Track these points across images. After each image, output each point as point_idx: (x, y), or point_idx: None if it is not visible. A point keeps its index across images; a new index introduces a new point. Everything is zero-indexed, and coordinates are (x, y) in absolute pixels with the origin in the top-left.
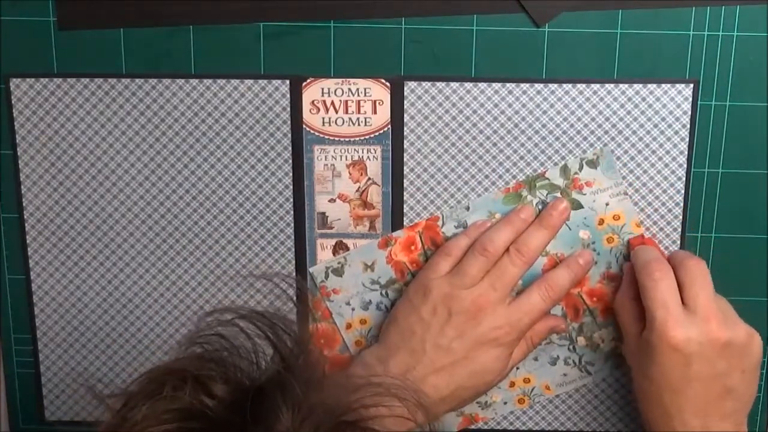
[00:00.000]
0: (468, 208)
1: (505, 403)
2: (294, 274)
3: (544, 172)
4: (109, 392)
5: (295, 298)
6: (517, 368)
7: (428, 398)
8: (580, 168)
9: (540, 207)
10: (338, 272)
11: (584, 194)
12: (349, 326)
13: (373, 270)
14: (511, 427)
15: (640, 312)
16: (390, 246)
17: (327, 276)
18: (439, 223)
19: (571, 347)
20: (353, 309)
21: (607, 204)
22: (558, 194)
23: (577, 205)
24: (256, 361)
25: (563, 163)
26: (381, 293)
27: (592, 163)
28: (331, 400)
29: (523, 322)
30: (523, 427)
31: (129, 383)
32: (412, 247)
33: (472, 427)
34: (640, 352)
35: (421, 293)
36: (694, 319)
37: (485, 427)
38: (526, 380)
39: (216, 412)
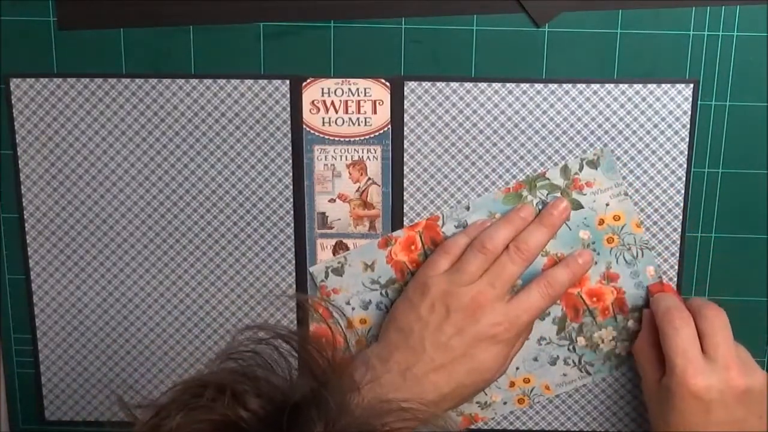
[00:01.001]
0: (468, 208)
1: (505, 403)
2: (319, 295)
3: (545, 172)
4: (138, 402)
5: (294, 301)
6: (517, 368)
7: (443, 415)
8: (581, 168)
9: (540, 207)
10: (338, 272)
11: (584, 194)
12: (350, 325)
13: (373, 270)
14: (511, 427)
15: (659, 358)
16: (390, 246)
17: (327, 276)
18: (439, 222)
19: (570, 347)
20: (353, 308)
21: (607, 204)
22: (558, 194)
23: (577, 206)
24: (290, 379)
25: (563, 163)
26: (381, 293)
27: (593, 164)
28: (361, 422)
29: (522, 320)
30: (523, 427)
31: (159, 395)
32: (412, 247)
33: (472, 426)
34: (660, 398)
35: (419, 291)
36: (714, 367)
37: (485, 427)
38: (526, 380)
39: (250, 426)
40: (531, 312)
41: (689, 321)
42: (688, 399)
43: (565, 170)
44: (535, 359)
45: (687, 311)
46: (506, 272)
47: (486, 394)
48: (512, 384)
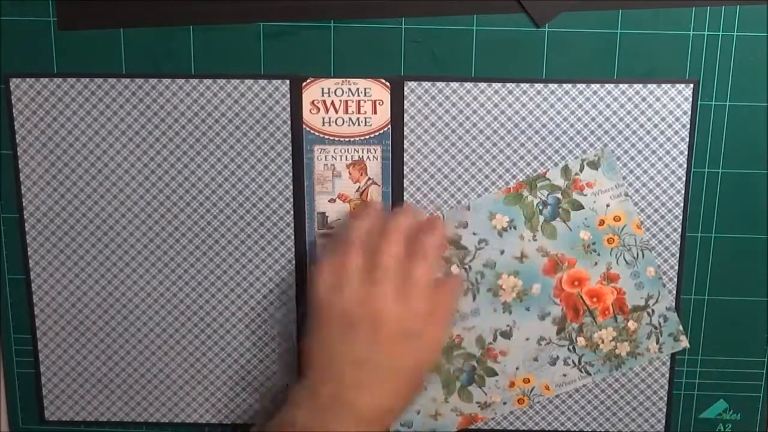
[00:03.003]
0: (468, 209)
1: (505, 403)
2: None
3: (545, 173)
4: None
5: (294, 302)
6: (517, 368)
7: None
8: (581, 169)
9: (540, 207)
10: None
11: (585, 195)
12: None
13: None
14: (511, 427)
15: None
16: None
17: None
18: None
19: (570, 347)
20: None
21: (607, 205)
22: (559, 195)
23: (577, 206)
24: None
25: (564, 163)
26: None
27: (593, 164)
28: None
29: (420, 304)
30: (524, 427)
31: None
32: None
33: (472, 427)
34: None
35: (316, 316)
36: None
37: (485, 427)
38: (526, 380)
39: None
40: (427, 291)
41: None
42: None
43: (565, 171)
44: (535, 359)
45: None
46: (384, 266)
47: (486, 395)
48: (512, 384)
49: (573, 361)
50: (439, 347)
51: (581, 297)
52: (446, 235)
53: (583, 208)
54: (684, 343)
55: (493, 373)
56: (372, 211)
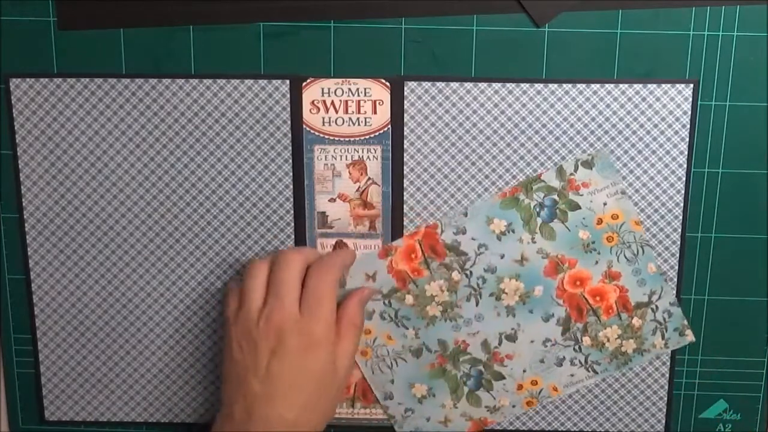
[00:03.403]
0: (466, 215)
1: (514, 406)
2: None
3: (540, 175)
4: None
5: None
6: (524, 370)
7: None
8: (576, 169)
9: (537, 210)
10: (340, 284)
11: (581, 195)
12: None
13: (375, 280)
14: (523, 428)
15: None
16: (390, 255)
17: None
18: (438, 230)
19: (576, 347)
20: None
21: (604, 204)
22: (555, 196)
23: (574, 206)
24: None
25: (559, 165)
26: (384, 303)
27: (588, 164)
28: None
29: (324, 312)
30: (536, 428)
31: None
32: (413, 256)
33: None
34: None
35: (226, 337)
36: None
37: (497, 427)
38: (534, 382)
39: None
40: (324, 300)
41: None
42: None
43: (560, 172)
44: (542, 361)
45: None
46: (281, 280)
47: (494, 398)
48: (520, 387)
49: (579, 361)
50: (347, 356)
51: (584, 297)
52: (350, 258)
53: (580, 208)
54: (690, 337)
55: (501, 377)
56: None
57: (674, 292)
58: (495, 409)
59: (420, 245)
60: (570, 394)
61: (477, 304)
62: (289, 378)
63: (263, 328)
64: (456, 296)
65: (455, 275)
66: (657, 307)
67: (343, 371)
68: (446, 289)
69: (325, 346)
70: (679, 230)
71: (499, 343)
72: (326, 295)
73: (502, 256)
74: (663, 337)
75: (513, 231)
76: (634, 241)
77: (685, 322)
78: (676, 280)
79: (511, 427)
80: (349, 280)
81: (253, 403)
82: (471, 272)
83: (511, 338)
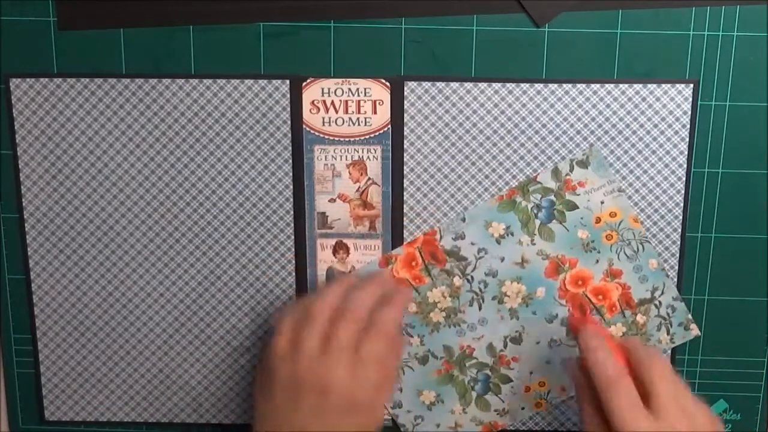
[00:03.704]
0: (464, 220)
1: (523, 408)
2: None
3: (536, 177)
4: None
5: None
6: (531, 372)
7: None
8: (571, 169)
9: (535, 211)
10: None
11: (578, 194)
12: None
13: None
14: (536, 428)
15: (599, 413)
16: (391, 264)
17: None
18: (437, 237)
19: None
20: None
21: (602, 202)
22: (552, 197)
23: (572, 206)
24: None
25: (554, 166)
26: None
27: (583, 163)
28: None
29: (370, 375)
30: (549, 428)
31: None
32: (413, 263)
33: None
34: None
35: (268, 379)
36: (657, 423)
37: (510, 427)
38: (541, 384)
39: None
40: (378, 362)
41: (629, 385)
42: None
43: (555, 172)
44: (548, 362)
45: (624, 372)
46: (340, 337)
47: (503, 402)
48: (528, 389)
49: None
50: (382, 415)
51: (586, 296)
52: (404, 308)
53: (577, 207)
54: (695, 331)
55: (508, 380)
56: (342, 282)
57: (676, 287)
58: (504, 412)
59: (420, 252)
60: (570, 395)
61: (480, 309)
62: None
63: (311, 382)
64: (458, 302)
65: (456, 281)
66: (660, 302)
67: (375, 429)
68: (448, 295)
69: (368, 407)
70: (679, 230)
71: (505, 346)
72: (378, 359)
73: (503, 260)
74: (668, 333)
75: (512, 234)
76: (633, 238)
77: (690, 317)
78: (676, 280)
79: (523, 427)
80: None
81: None
82: (472, 277)
83: (516, 341)
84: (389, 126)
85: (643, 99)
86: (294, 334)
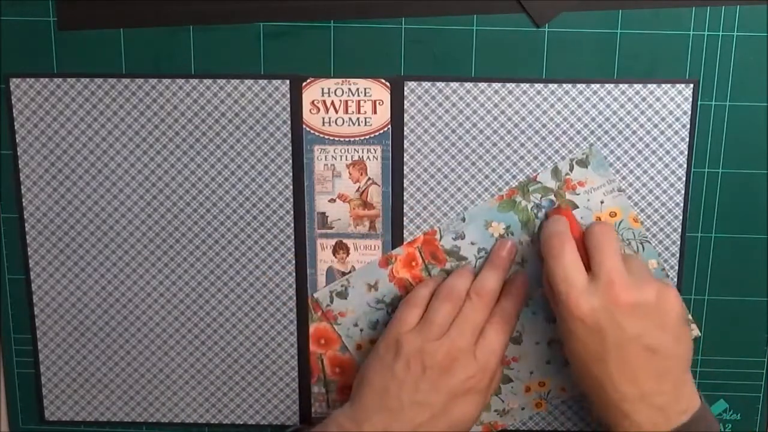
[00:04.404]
0: (464, 219)
1: (523, 408)
2: None
3: (536, 176)
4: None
5: (294, 301)
6: (531, 372)
7: None
8: (571, 168)
9: (535, 212)
10: (342, 295)
11: (578, 194)
12: (359, 347)
13: (377, 289)
14: (536, 428)
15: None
16: (391, 264)
17: (332, 300)
18: (437, 236)
19: None
20: (362, 330)
21: (602, 202)
22: (552, 197)
23: (572, 206)
24: None
25: (553, 165)
26: (387, 311)
27: (582, 163)
28: None
29: (492, 364)
30: (549, 428)
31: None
32: (413, 263)
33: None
34: (559, 329)
35: (392, 349)
36: (597, 287)
37: (511, 427)
38: (541, 384)
39: None
40: (497, 353)
41: (568, 244)
42: (578, 325)
43: (555, 172)
44: (548, 362)
45: (567, 234)
46: (472, 320)
47: (503, 402)
48: (528, 389)
49: None
50: (482, 409)
51: None
52: (505, 273)
53: (577, 207)
54: (695, 331)
55: (508, 380)
56: (465, 270)
57: (676, 288)
58: (504, 413)
59: (420, 252)
60: (580, 394)
61: None
62: (440, 413)
63: (440, 359)
64: None
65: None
66: None
67: (479, 416)
68: None
69: (481, 393)
70: (679, 230)
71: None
72: (498, 349)
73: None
74: None
75: (512, 233)
76: (633, 238)
77: (690, 317)
78: (676, 280)
79: (523, 427)
80: (351, 291)
81: (395, 423)
82: None
83: (516, 341)
84: (389, 126)
85: (643, 99)
86: (424, 310)
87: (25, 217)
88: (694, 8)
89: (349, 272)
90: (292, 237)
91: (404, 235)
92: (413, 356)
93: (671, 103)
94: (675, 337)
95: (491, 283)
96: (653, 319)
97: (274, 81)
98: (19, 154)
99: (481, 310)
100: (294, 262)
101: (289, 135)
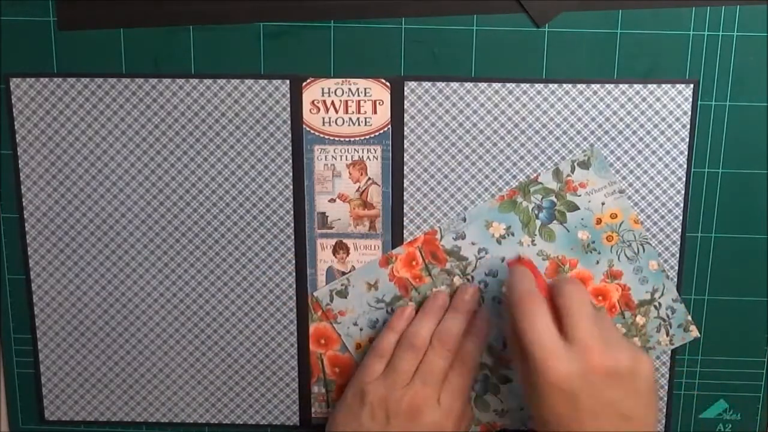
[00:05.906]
0: (465, 220)
1: (522, 408)
2: None
3: (537, 177)
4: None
5: (294, 301)
6: None
7: None
8: (572, 170)
9: (536, 212)
10: (342, 294)
11: (579, 195)
12: (359, 346)
13: (377, 288)
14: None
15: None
16: (391, 263)
17: (332, 299)
18: (437, 236)
19: None
20: (361, 329)
21: (603, 203)
22: (553, 197)
23: (573, 207)
24: None
25: (555, 166)
26: (387, 311)
27: (584, 164)
28: None
29: (456, 407)
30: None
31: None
32: (413, 263)
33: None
34: (528, 393)
35: (358, 398)
36: (572, 352)
37: (510, 427)
38: None
39: None
40: (462, 397)
41: (541, 306)
42: (552, 391)
43: (557, 173)
44: None
45: (538, 294)
46: (435, 367)
47: (502, 402)
48: None
49: None
50: None
51: None
52: (486, 339)
53: (578, 208)
54: (695, 332)
55: (507, 380)
56: (434, 305)
57: (676, 288)
58: (504, 413)
59: (420, 252)
60: None
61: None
62: None
63: (405, 407)
64: None
65: (457, 280)
66: (660, 304)
67: None
68: (449, 295)
69: None
70: (679, 230)
71: (504, 347)
72: (463, 391)
73: (503, 260)
74: (668, 334)
75: (512, 234)
76: (634, 240)
77: (689, 318)
78: (676, 280)
79: (523, 428)
80: (351, 290)
81: None
82: (472, 277)
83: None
84: (389, 126)
85: (643, 99)
86: (389, 359)
87: (25, 217)
88: (694, 8)
89: (349, 272)
90: (292, 237)
91: (404, 235)
92: (378, 405)
93: (671, 103)
94: (646, 404)
95: (454, 329)
96: (627, 386)
97: (274, 81)
98: (19, 154)
99: (444, 357)
100: (294, 262)
101: (289, 135)
